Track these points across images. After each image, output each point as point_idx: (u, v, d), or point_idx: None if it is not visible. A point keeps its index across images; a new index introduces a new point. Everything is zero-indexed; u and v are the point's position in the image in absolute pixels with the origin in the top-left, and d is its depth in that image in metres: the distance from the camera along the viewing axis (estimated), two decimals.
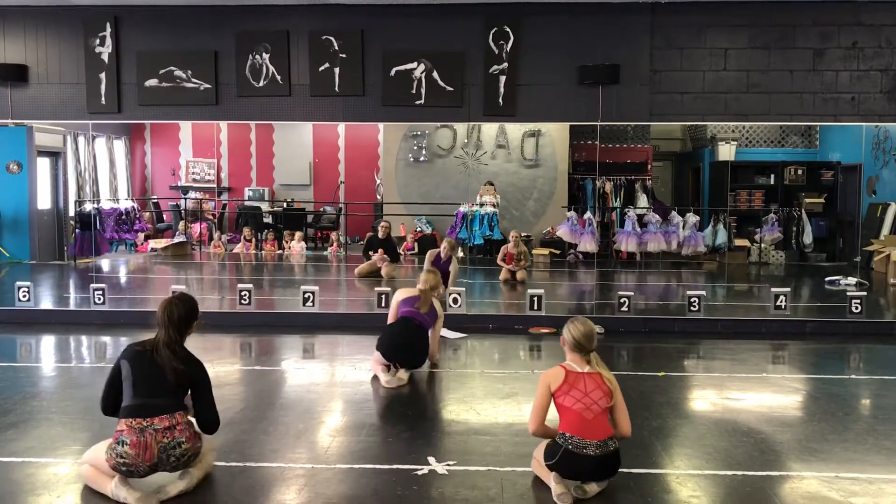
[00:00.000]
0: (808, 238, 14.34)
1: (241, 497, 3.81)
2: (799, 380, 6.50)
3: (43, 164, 13.91)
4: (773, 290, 8.65)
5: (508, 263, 11.46)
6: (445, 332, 7.90)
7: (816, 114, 8.58)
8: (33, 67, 8.82)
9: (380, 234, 11.91)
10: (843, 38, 8.42)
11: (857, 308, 8.48)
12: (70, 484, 3.98)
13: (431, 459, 4.31)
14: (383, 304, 8.55)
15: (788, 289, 8.77)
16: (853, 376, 6.71)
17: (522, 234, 14.59)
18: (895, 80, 8.41)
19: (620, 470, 4.08)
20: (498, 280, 11.39)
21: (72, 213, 14.01)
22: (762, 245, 14.29)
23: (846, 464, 4.37)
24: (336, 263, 14.38)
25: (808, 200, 14.63)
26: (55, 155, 14.14)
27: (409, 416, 5.18)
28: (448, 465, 4.24)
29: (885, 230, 12.89)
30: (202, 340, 7.84)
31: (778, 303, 8.55)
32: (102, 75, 8.72)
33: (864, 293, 8.78)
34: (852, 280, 11.03)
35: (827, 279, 11.62)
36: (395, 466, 4.22)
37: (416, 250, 14.62)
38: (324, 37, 8.57)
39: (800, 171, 14.95)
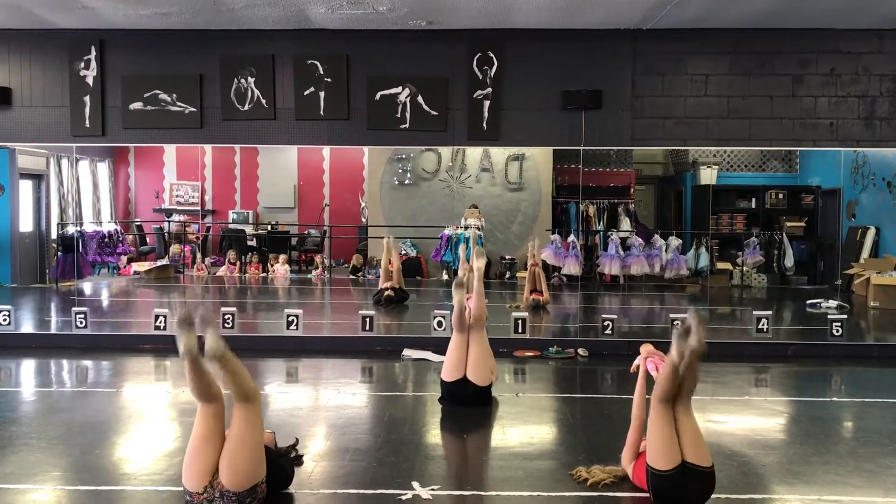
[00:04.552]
0: (789, 261, 14.44)
1: None
2: (781, 402, 6.54)
3: (25, 187, 13.82)
4: (755, 313, 8.71)
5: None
6: (429, 356, 7.90)
7: (796, 139, 8.69)
8: (17, 90, 8.80)
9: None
10: (822, 64, 8.56)
11: (838, 331, 8.56)
12: None
13: (415, 484, 4.30)
14: (367, 328, 8.54)
15: (770, 312, 8.83)
16: (835, 399, 6.76)
17: (507, 257, 14.68)
18: (872, 106, 8.56)
19: (605, 494, 4.11)
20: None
21: (54, 235, 13.91)
22: (744, 268, 14.39)
23: (828, 486, 4.40)
24: (320, 287, 14.35)
25: (788, 224, 14.76)
26: (38, 177, 14.06)
27: (392, 441, 5.16)
28: (432, 489, 4.23)
29: (865, 253, 13.03)
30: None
31: (760, 326, 8.61)
32: (87, 98, 8.72)
33: (845, 316, 8.86)
34: (833, 303, 11.13)
35: (808, 302, 11.71)
36: (378, 491, 4.21)
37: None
38: (309, 61, 8.61)
39: (780, 196, 15.10)
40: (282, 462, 4.26)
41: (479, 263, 6.38)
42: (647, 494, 4.08)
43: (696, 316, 3.80)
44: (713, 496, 4.00)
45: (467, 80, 8.60)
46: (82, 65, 8.70)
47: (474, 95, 8.60)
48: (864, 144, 8.77)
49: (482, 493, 4.24)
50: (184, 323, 3.68)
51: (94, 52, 8.68)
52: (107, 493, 4.19)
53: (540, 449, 5.12)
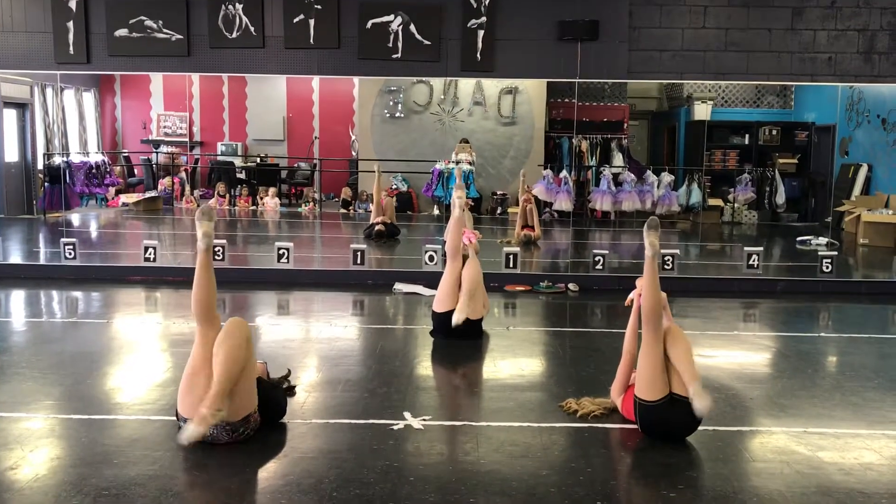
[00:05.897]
0: (780, 198, 14.42)
1: (217, 451, 3.81)
2: (769, 337, 6.60)
3: (9, 116, 13.56)
4: (745, 249, 8.73)
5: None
6: (420, 290, 7.90)
7: (793, 73, 8.57)
8: None
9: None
10: None
11: (827, 267, 8.60)
12: (42, 438, 3.95)
13: (407, 414, 4.33)
14: (359, 262, 8.52)
15: (761, 248, 8.84)
16: (822, 334, 6.83)
17: (498, 192, 14.60)
18: (872, 41, 8.42)
19: (594, 425, 4.16)
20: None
21: (40, 166, 13.72)
22: (735, 205, 14.39)
23: (814, 419, 4.46)
24: (311, 220, 14.29)
25: (781, 161, 14.70)
26: (22, 106, 13.78)
27: (384, 373, 5.19)
28: (424, 419, 4.26)
29: (857, 191, 13.02)
30: (176, 296, 7.78)
31: (750, 262, 8.64)
32: (70, 24, 8.47)
33: (835, 253, 8.90)
34: (823, 240, 11.16)
35: (798, 239, 11.74)
36: (370, 421, 4.24)
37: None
38: None
39: (774, 132, 14.99)
40: (275, 393, 4.27)
41: (459, 193, 6.25)
42: (635, 426, 4.12)
43: (648, 223, 4.12)
44: (700, 428, 4.05)
45: (461, 9, 8.39)
46: None
47: (468, 25, 8.40)
48: (863, 80, 8.66)
49: (473, 423, 4.28)
50: (203, 215, 3.95)
51: None
52: (99, 421, 4.21)
53: (530, 381, 5.16)
